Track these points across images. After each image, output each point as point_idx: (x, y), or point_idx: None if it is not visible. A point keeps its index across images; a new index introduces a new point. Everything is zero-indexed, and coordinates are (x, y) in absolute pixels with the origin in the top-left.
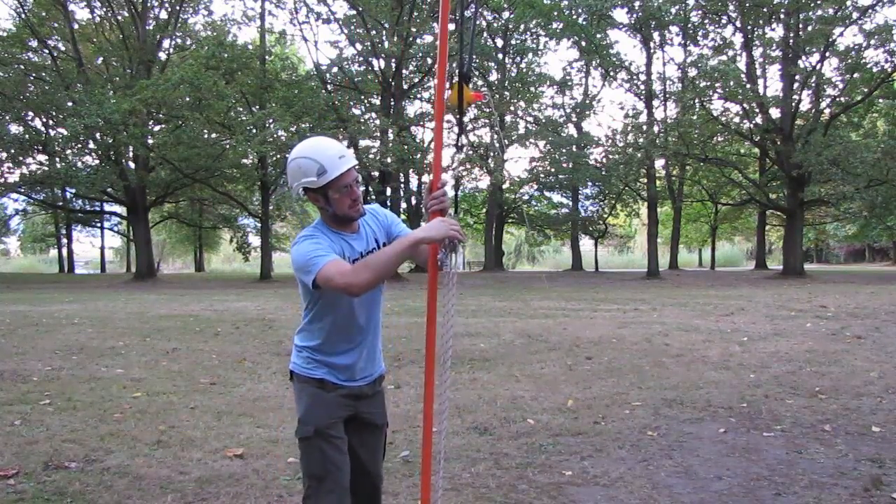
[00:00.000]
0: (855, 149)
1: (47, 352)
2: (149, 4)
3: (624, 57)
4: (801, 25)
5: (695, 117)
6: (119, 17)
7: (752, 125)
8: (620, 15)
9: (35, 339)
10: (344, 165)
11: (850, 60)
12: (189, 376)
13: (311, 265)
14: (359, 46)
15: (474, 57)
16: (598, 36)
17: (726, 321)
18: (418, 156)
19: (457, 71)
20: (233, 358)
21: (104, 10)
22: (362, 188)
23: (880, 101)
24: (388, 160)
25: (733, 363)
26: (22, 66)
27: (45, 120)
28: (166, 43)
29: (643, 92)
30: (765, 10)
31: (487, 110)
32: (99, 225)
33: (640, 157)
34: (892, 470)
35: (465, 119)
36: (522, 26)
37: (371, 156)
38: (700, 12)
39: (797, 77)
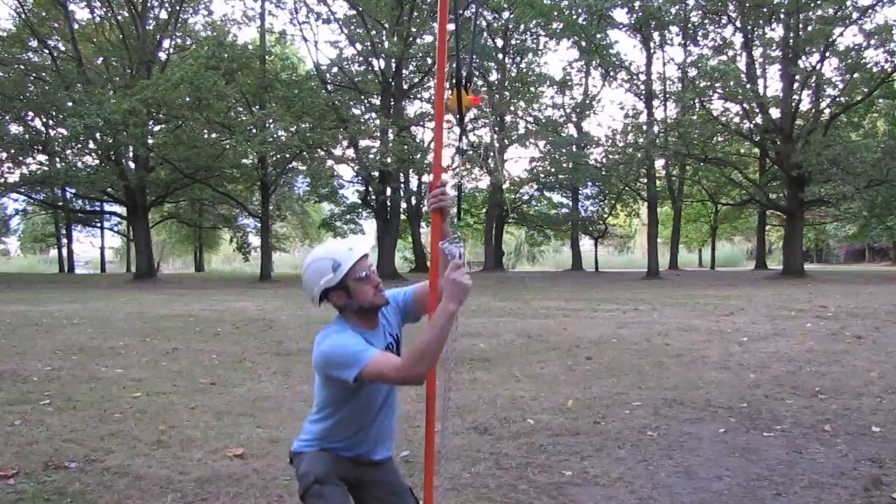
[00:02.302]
0: (855, 149)
1: (47, 352)
2: (149, 4)
3: (624, 57)
4: (801, 25)
5: (695, 117)
6: (119, 17)
7: (752, 125)
8: (620, 15)
9: (35, 339)
10: (356, 254)
11: (850, 60)
12: (189, 376)
13: (354, 359)
14: (359, 46)
15: (475, 58)
16: (598, 36)
17: (726, 321)
18: (418, 156)
19: (456, 74)
20: (233, 358)
21: (104, 10)
22: (362, 188)
23: (880, 101)
24: (388, 160)
25: (733, 363)
26: (22, 66)
27: (45, 120)
28: (166, 43)
29: (643, 92)
30: (765, 10)
31: (487, 110)
32: (99, 225)
33: (640, 157)
34: (892, 470)
35: (467, 119)
36: (522, 26)
37: (371, 156)
38: (700, 12)
39: (797, 77)
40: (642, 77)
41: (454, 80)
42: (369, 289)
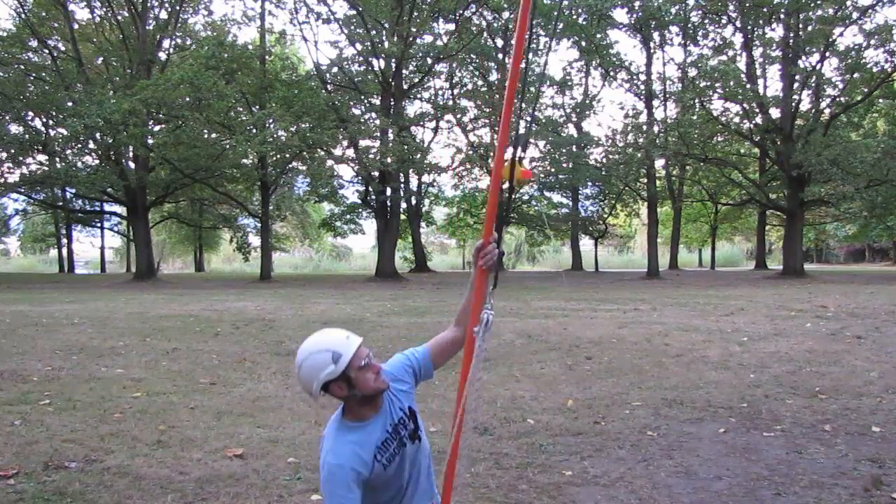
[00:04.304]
0: (855, 149)
1: (47, 352)
2: (149, 4)
3: (624, 57)
4: (801, 25)
5: (695, 117)
6: (119, 17)
7: (752, 125)
8: (620, 15)
9: (35, 339)
10: (354, 343)
11: (850, 60)
12: (189, 376)
13: None
14: (359, 46)
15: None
16: (598, 36)
17: (726, 321)
18: (418, 156)
19: (513, 147)
20: (233, 358)
21: (104, 10)
22: (362, 188)
23: (880, 101)
24: (388, 160)
25: (733, 363)
26: (22, 66)
27: (45, 120)
28: (166, 43)
29: (643, 92)
30: (765, 10)
31: (487, 110)
32: (99, 225)
33: (640, 157)
34: (892, 470)
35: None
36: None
37: (371, 156)
38: (700, 12)
39: (797, 77)
40: (642, 77)
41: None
42: (371, 375)
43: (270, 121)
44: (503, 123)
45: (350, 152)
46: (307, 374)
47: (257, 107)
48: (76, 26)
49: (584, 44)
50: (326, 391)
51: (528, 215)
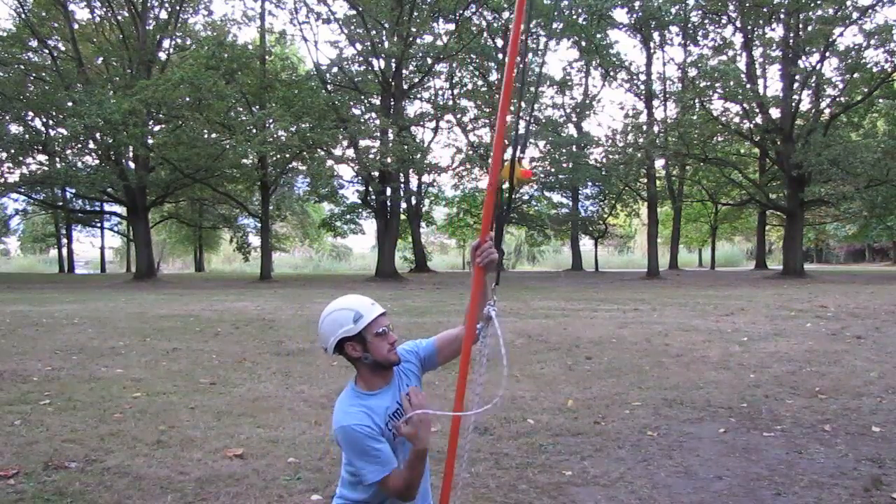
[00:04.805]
0: (855, 149)
1: (47, 352)
2: (149, 4)
3: (624, 57)
4: (801, 25)
5: (695, 117)
6: (119, 17)
7: (752, 125)
8: (620, 15)
9: (35, 339)
10: (376, 310)
11: (850, 60)
12: (189, 376)
13: (372, 465)
14: (359, 46)
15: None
16: (598, 36)
17: (726, 321)
18: (418, 156)
19: (513, 148)
20: (233, 358)
21: (104, 10)
22: (362, 188)
23: (880, 101)
24: (388, 160)
25: (733, 363)
26: (22, 66)
27: (45, 120)
28: (166, 43)
29: (643, 92)
30: (765, 10)
31: (487, 110)
32: (99, 225)
33: (640, 157)
34: (892, 470)
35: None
36: (523, 26)
37: (371, 156)
38: (700, 12)
39: (797, 77)
40: (642, 77)
41: (512, 152)
42: (385, 344)
43: (270, 121)
44: (499, 123)
45: (350, 152)
46: (327, 328)
47: (257, 107)
48: (76, 26)
49: (584, 44)
50: (341, 351)
51: (528, 215)
